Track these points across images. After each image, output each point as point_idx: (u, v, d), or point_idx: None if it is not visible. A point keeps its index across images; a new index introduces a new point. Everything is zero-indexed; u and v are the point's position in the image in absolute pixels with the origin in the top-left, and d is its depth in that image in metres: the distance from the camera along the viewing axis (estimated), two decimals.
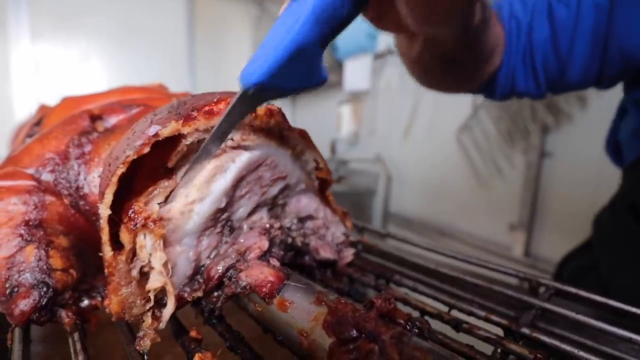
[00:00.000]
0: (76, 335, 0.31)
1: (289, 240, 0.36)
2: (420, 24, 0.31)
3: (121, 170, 0.23)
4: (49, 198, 0.34)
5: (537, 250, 1.65)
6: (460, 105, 1.80)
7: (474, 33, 0.40)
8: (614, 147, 0.60)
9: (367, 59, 2.18)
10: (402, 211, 2.22)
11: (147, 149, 0.23)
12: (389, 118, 2.21)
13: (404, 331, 0.20)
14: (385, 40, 2.03)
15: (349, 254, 0.44)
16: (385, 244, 0.63)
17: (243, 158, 0.28)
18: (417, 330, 0.22)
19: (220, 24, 2.73)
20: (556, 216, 1.57)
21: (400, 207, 2.24)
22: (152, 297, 0.26)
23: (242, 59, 2.85)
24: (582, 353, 0.30)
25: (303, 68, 0.24)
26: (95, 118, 0.38)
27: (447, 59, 0.45)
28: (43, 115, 0.44)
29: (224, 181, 0.27)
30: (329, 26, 0.24)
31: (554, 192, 1.58)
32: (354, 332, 0.21)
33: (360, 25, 2.05)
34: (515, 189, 1.69)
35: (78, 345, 0.29)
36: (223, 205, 0.28)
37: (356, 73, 2.25)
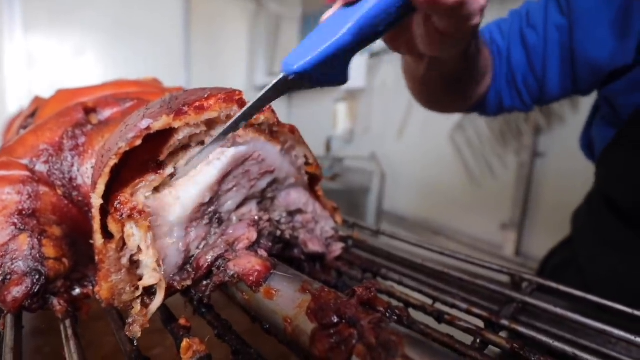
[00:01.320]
0: (68, 322, 0.32)
1: (278, 232, 0.37)
2: (432, 47, 0.35)
3: (113, 161, 0.24)
4: (43, 188, 0.35)
5: (528, 249, 1.68)
6: None
7: (471, 55, 0.45)
8: (588, 143, 0.62)
9: (363, 57, 2.18)
10: (396, 209, 2.24)
11: (139, 142, 0.24)
12: (383, 116, 2.22)
13: (382, 317, 0.21)
14: (381, 39, 2.04)
15: (337, 248, 0.45)
16: (377, 240, 0.64)
17: (228, 154, 0.29)
18: (395, 318, 0.23)
19: (216, 19, 2.72)
20: (547, 216, 1.59)
21: (394, 205, 2.26)
22: (141, 288, 0.27)
23: (238, 54, 2.84)
24: (557, 344, 0.31)
25: (335, 67, 0.28)
26: (89, 111, 0.39)
27: (449, 79, 0.50)
28: (37, 107, 0.44)
29: (208, 176, 0.28)
30: (366, 39, 0.28)
31: (545, 192, 1.60)
32: (335, 318, 0.22)
33: None
34: (508, 188, 1.71)
35: (70, 332, 0.30)
36: (207, 200, 0.29)
37: (352, 71, 2.26)
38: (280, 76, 0.26)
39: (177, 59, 2.58)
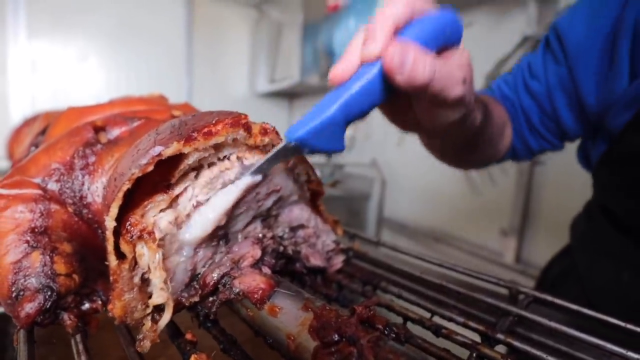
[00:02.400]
0: (78, 337, 0.33)
1: (281, 248, 0.38)
2: (431, 118, 0.38)
3: (127, 186, 0.25)
4: (54, 206, 0.36)
5: (528, 256, 1.68)
6: None
7: (474, 119, 0.45)
8: (584, 155, 0.64)
9: None
10: (396, 216, 2.25)
11: (151, 168, 0.26)
12: (384, 123, 2.22)
13: (380, 335, 0.22)
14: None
15: (338, 262, 0.46)
16: (377, 251, 0.65)
17: (245, 179, 0.30)
18: (394, 335, 0.25)
19: (219, 25, 2.74)
20: (547, 223, 1.60)
21: (394, 212, 2.27)
22: (151, 306, 0.28)
23: (240, 60, 2.86)
24: (550, 358, 0.32)
25: (330, 137, 0.31)
26: (98, 129, 0.40)
27: (467, 144, 0.52)
28: (47, 124, 0.46)
29: (225, 201, 0.29)
30: (353, 116, 0.32)
31: (545, 199, 1.61)
32: (336, 336, 0.23)
33: (355, 32, 2.08)
34: (507, 196, 1.72)
35: (80, 347, 0.31)
36: (223, 223, 0.30)
37: None
38: (284, 143, 0.31)
39: (179, 65, 2.61)
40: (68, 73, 2.32)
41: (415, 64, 0.30)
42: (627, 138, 0.49)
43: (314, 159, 2.77)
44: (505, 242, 1.73)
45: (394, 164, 2.22)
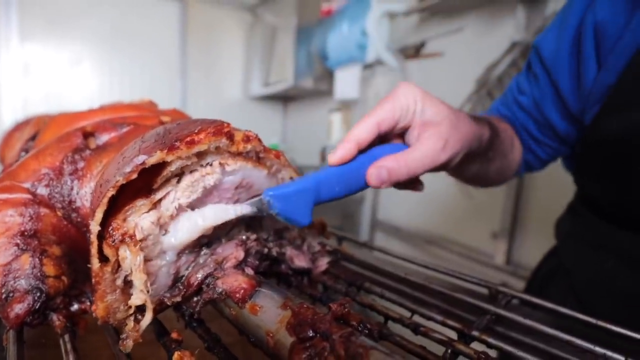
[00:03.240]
0: (67, 337, 0.34)
1: (265, 250, 0.39)
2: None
3: (111, 192, 0.27)
4: (44, 210, 0.37)
5: (519, 257, 1.70)
6: None
7: (490, 138, 0.50)
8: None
9: (357, 68, 2.23)
10: (390, 219, 2.27)
11: (134, 175, 0.27)
12: None
13: (352, 331, 0.23)
14: (375, 51, 2.09)
15: (323, 263, 0.47)
16: (365, 253, 0.66)
17: (222, 186, 0.31)
18: (367, 331, 0.26)
19: (213, 29, 2.75)
20: (536, 225, 1.62)
21: (388, 215, 2.29)
22: (132, 309, 0.29)
23: (234, 64, 2.87)
24: (520, 353, 0.34)
25: (297, 207, 0.34)
26: (88, 135, 0.41)
27: (483, 163, 0.56)
28: (38, 130, 0.47)
29: (217, 217, 0.31)
30: (326, 196, 0.36)
31: (534, 202, 1.63)
32: (311, 332, 0.24)
33: (350, 36, 2.10)
34: (498, 198, 1.74)
35: (69, 346, 0.32)
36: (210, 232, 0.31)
37: (346, 82, 2.30)
38: (259, 197, 0.34)
39: (173, 69, 2.61)
40: (61, 77, 2.32)
41: (392, 176, 0.37)
42: (597, 124, 0.53)
43: (309, 161, 2.78)
44: (496, 244, 1.75)
45: None
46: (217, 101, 2.82)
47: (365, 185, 0.38)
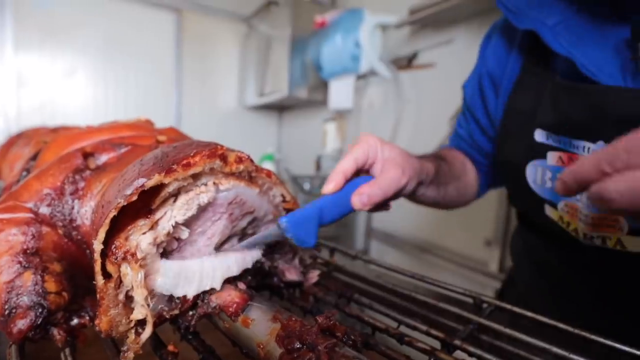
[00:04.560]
0: (67, 351, 0.36)
1: (258, 265, 0.41)
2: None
3: (113, 213, 0.28)
4: (45, 229, 0.39)
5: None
6: (439, 125, 1.88)
7: (435, 168, 0.61)
8: None
9: (350, 79, 2.26)
10: (385, 227, 2.28)
11: (135, 197, 0.29)
12: None
13: (337, 342, 0.25)
14: (368, 62, 2.13)
15: (314, 275, 0.49)
16: (358, 263, 0.68)
17: (216, 203, 0.34)
18: (350, 342, 0.28)
19: (208, 40, 2.77)
20: None
21: (382, 223, 2.31)
22: (133, 322, 0.31)
23: (229, 74, 2.90)
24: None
25: (306, 230, 0.40)
26: (87, 155, 0.43)
27: (443, 189, 0.66)
28: (38, 150, 0.49)
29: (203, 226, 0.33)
30: (327, 219, 0.43)
31: None
32: (298, 343, 0.26)
33: (344, 48, 2.14)
34: (490, 206, 1.77)
35: (69, 359, 0.34)
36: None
37: (340, 92, 2.34)
38: (277, 224, 0.40)
39: (168, 79, 2.62)
40: (55, 87, 2.30)
41: (371, 199, 0.46)
42: (497, 151, 0.67)
43: (304, 171, 2.78)
44: (489, 252, 1.77)
45: None
46: (212, 111, 2.83)
47: (352, 209, 0.46)
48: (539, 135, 0.55)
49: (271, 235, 0.40)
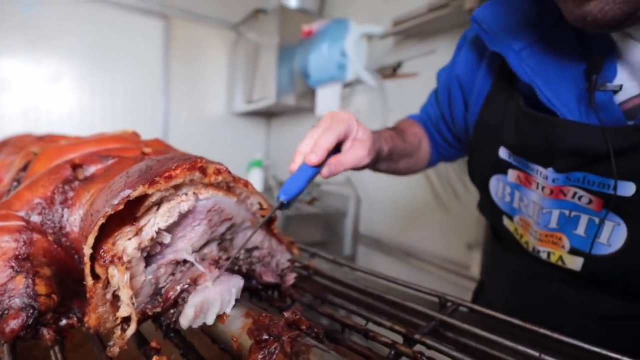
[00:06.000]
0: (56, 349, 0.38)
1: (236, 267, 0.44)
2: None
3: (101, 221, 0.32)
4: (36, 235, 0.41)
5: None
6: None
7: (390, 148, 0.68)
8: None
9: (337, 87, 2.31)
10: (371, 232, 2.33)
11: (121, 207, 0.32)
12: None
13: (300, 333, 0.29)
14: (354, 70, 2.18)
15: (291, 278, 0.53)
16: (336, 266, 0.72)
17: (196, 210, 0.37)
18: (314, 334, 0.31)
19: (196, 47, 2.78)
20: None
21: (369, 228, 2.35)
22: (119, 319, 0.34)
23: (217, 82, 2.91)
24: (454, 353, 0.39)
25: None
26: (76, 167, 0.46)
27: (394, 164, 0.74)
28: (28, 160, 0.51)
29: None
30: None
31: None
32: (266, 335, 0.29)
33: (330, 56, 2.19)
34: (471, 211, 1.82)
35: (59, 356, 0.36)
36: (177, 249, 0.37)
37: (327, 100, 2.38)
38: (279, 201, 0.48)
39: (156, 86, 2.62)
40: (40, 93, 2.27)
41: (337, 169, 0.55)
42: (469, 159, 0.71)
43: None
44: (470, 255, 1.83)
45: (367, 182, 2.31)
46: (200, 118, 2.84)
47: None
48: (503, 153, 0.59)
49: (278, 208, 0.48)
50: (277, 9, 2.39)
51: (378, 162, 0.68)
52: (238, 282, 0.40)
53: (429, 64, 1.85)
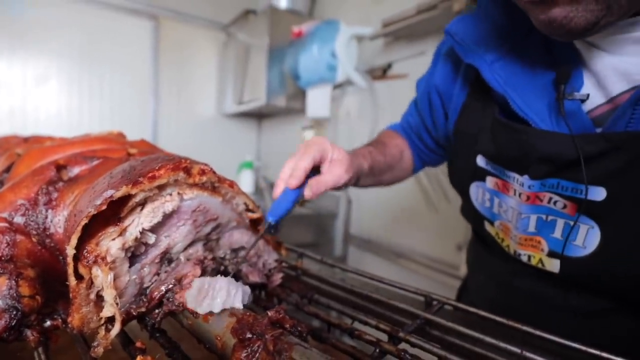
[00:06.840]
0: (40, 350, 0.38)
1: (222, 267, 0.45)
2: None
3: (85, 221, 0.32)
4: (20, 237, 0.41)
5: None
6: None
7: (370, 165, 0.72)
8: None
9: (327, 88, 2.32)
10: (362, 233, 2.34)
11: (104, 207, 0.32)
12: (348, 144, 2.34)
13: (282, 332, 0.29)
14: (344, 72, 2.19)
15: (277, 278, 0.53)
16: (324, 267, 0.72)
17: (180, 210, 0.37)
18: (297, 333, 0.32)
19: (186, 48, 2.76)
20: None
21: (360, 229, 2.36)
22: (103, 320, 0.34)
23: (207, 83, 2.90)
24: (436, 349, 0.40)
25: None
26: (60, 168, 0.46)
27: (378, 178, 0.78)
28: (12, 162, 0.51)
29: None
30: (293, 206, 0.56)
31: None
32: (249, 334, 0.30)
33: (320, 58, 2.20)
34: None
35: (43, 357, 0.36)
36: (162, 249, 0.37)
37: (317, 101, 2.39)
38: (267, 223, 0.51)
39: (145, 87, 2.60)
40: (26, 94, 2.24)
41: (318, 190, 0.59)
42: (448, 166, 0.73)
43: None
44: (460, 256, 1.85)
45: None
46: (190, 119, 2.83)
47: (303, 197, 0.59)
48: (480, 160, 0.61)
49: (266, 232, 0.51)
50: (267, 9, 2.39)
51: (361, 179, 0.71)
52: (247, 288, 0.41)
53: (418, 65, 1.86)
